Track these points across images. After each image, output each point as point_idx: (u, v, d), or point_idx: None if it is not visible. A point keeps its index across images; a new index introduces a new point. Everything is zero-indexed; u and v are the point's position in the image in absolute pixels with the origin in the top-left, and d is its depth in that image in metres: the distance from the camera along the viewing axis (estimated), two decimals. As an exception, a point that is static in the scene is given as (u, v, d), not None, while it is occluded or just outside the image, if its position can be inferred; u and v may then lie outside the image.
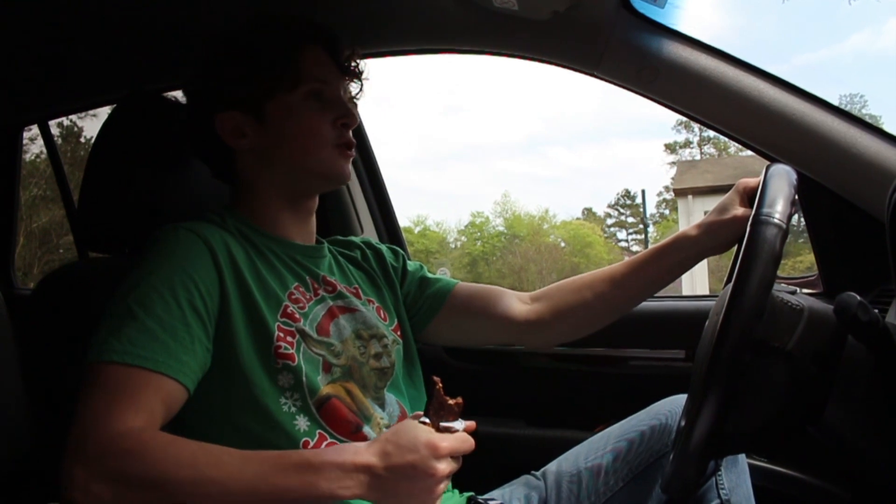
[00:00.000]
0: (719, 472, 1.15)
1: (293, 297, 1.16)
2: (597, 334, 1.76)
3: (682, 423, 1.04)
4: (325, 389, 1.10)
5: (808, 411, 0.96)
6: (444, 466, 0.90)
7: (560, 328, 1.37)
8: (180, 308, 1.00)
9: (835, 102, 1.29)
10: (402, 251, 1.47)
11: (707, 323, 1.11)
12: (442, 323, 1.38)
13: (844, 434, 1.01)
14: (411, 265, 1.44)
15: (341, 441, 1.09)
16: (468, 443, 0.95)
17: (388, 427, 1.17)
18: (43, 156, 10.87)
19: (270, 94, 1.18)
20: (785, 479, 1.47)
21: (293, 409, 1.08)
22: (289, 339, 1.10)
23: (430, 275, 1.43)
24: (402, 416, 1.21)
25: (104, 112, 1.38)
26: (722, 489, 1.15)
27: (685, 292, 12.15)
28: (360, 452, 0.90)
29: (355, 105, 1.32)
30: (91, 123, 13.33)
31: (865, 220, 1.26)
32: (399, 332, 1.32)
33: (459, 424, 0.97)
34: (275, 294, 1.13)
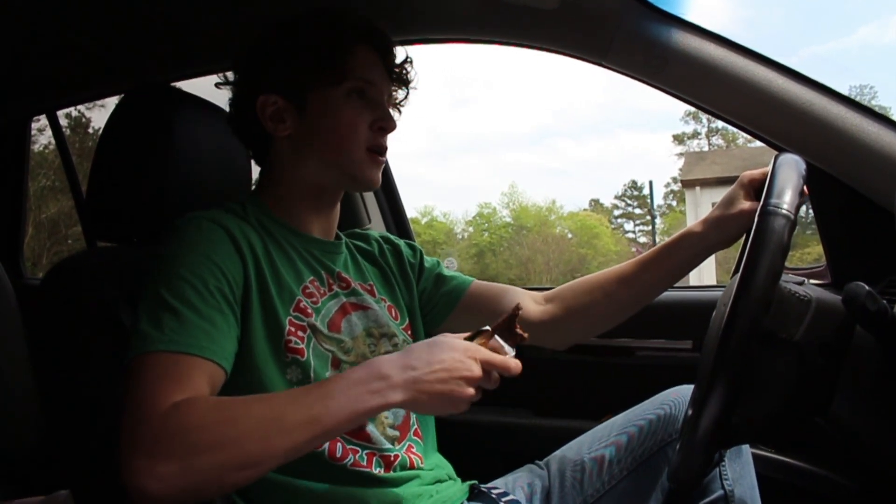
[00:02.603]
0: (723, 463, 1.15)
1: (307, 290, 1.16)
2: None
3: (689, 413, 1.04)
4: None
5: (816, 402, 0.96)
6: (477, 370, 0.94)
7: (573, 328, 1.38)
8: (213, 296, 1.01)
9: (845, 93, 1.28)
10: (419, 247, 1.47)
11: (714, 313, 1.11)
12: (456, 321, 1.38)
13: (852, 424, 1.00)
14: (428, 261, 1.44)
15: (345, 437, 1.10)
16: (512, 364, 0.97)
17: (392, 427, 1.18)
18: (51, 146, 10.91)
19: (314, 85, 1.18)
20: (793, 469, 1.47)
21: None
22: (300, 333, 1.11)
23: (446, 272, 1.43)
24: (408, 416, 1.23)
25: (112, 103, 1.39)
26: (726, 479, 1.15)
27: (693, 283, 12.13)
28: (395, 359, 0.94)
29: (399, 110, 1.32)
30: (99, 114, 13.39)
31: (874, 210, 1.26)
32: (410, 332, 1.32)
33: (511, 351, 0.99)
34: (289, 287, 1.13)
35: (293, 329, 1.10)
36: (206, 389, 0.94)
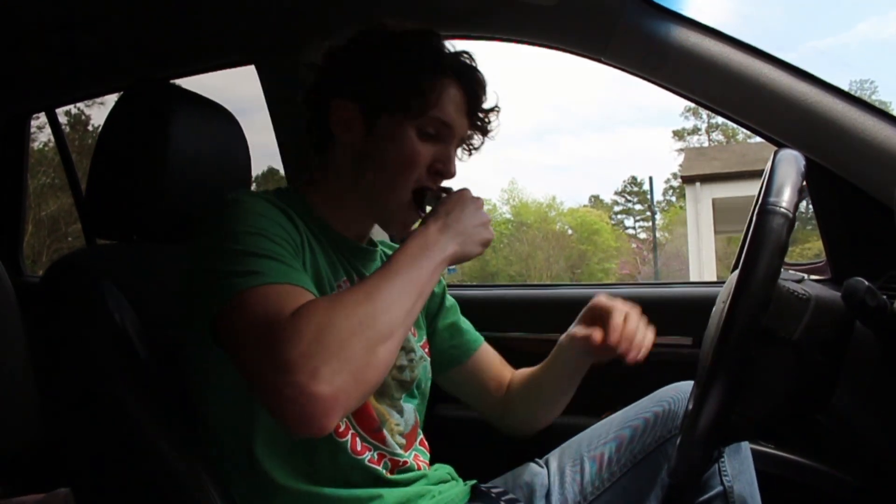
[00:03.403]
0: (722, 460, 1.15)
1: (340, 287, 1.15)
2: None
3: (689, 410, 1.04)
4: None
5: (816, 398, 0.96)
6: (487, 215, 1.12)
7: (524, 418, 1.40)
8: (288, 249, 1.00)
9: (845, 88, 1.28)
10: (443, 281, 1.45)
11: (713, 310, 1.11)
12: (450, 379, 1.41)
13: (852, 420, 1.01)
14: (448, 300, 1.43)
15: (363, 435, 1.11)
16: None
17: (402, 434, 1.19)
18: (51, 144, 10.92)
19: (392, 109, 1.15)
20: (793, 465, 1.47)
21: None
22: None
23: (462, 322, 1.43)
24: (416, 424, 1.23)
25: (111, 100, 1.38)
26: (725, 476, 1.15)
27: (693, 278, 12.13)
28: (428, 224, 1.07)
29: (473, 148, 1.28)
30: (98, 111, 13.39)
31: (874, 206, 1.25)
32: (427, 350, 1.32)
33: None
34: (328, 279, 1.13)
35: None
36: None
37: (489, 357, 1.42)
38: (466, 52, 1.20)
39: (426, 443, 1.26)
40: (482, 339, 1.44)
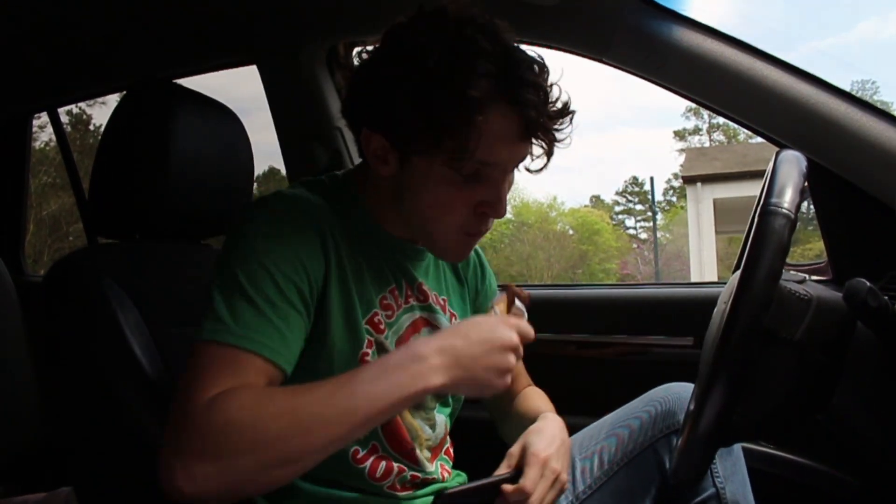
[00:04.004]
0: (714, 462, 1.14)
1: (385, 301, 1.08)
2: (604, 321, 1.77)
3: (691, 410, 1.04)
4: None
5: (817, 399, 0.96)
6: (514, 337, 0.94)
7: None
8: (291, 294, 0.93)
9: (847, 89, 1.28)
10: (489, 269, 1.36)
11: (715, 310, 1.11)
12: None
13: (853, 420, 1.01)
14: (492, 286, 1.33)
15: (392, 454, 1.08)
16: (531, 331, 0.98)
17: (430, 449, 1.16)
18: (52, 143, 10.93)
19: (419, 151, 0.97)
20: (794, 465, 1.47)
21: None
22: (369, 349, 1.03)
23: None
24: (446, 434, 1.21)
25: (113, 100, 1.39)
26: (717, 477, 1.15)
27: (694, 279, 12.12)
28: (431, 341, 0.91)
29: (547, 155, 1.03)
30: (100, 111, 13.38)
31: (875, 207, 1.25)
32: None
33: (525, 313, 1.03)
34: (369, 297, 1.05)
35: (367, 343, 1.03)
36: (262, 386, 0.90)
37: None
38: (519, 57, 0.96)
39: (451, 451, 1.24)
40: None
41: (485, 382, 0.92)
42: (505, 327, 0.94)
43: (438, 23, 0.97)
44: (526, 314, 1.01)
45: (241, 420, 0.81)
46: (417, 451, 1.11)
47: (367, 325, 1.04)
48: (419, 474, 1.11)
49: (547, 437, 1.10)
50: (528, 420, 1.20)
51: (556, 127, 0.99)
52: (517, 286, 1.03)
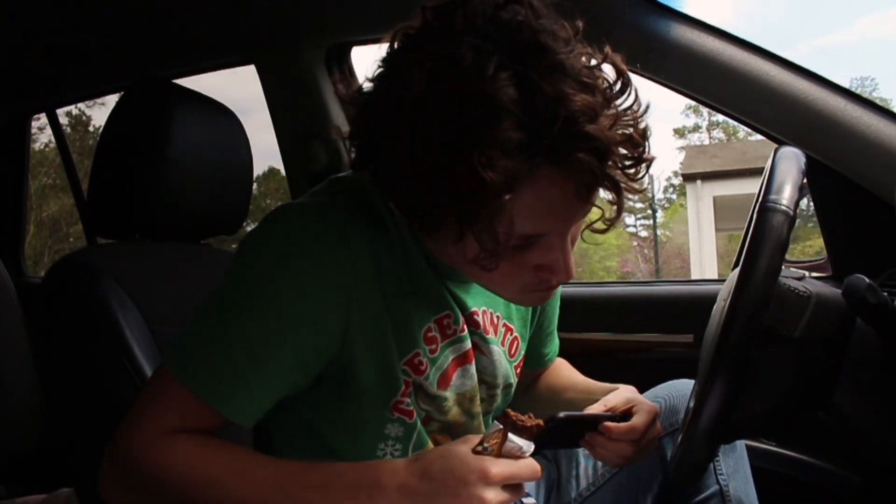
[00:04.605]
0: (717, 458, 1.15)
1: (429, 335, 0.94)
2: (605, 318, 1.77)
3: (691, 407, 1.04)
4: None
5: (817, 395, 0.96)
6: (493, 496, 0.78)
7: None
8: (281, 348, 0.83)
9: (845, 85, 1.28)
10: None
11: (714, 308, 1.11)
12: None
13: (853, 417, 1.01)
14: (551, 304, 1.21)
15: None
16: (530, 468, 0.81)
17: None
18: (52, 145, 10.91)
19: (467, 220, 0.74)
20: (794, 462, 1.47)
21: (388, 456, 0.95)
22: (407, 390, 0.93)
23: (553, 332, 1.26)
24: None
25: (112, 101, 1.39)
26: (720, 475, 1.15)
27: (694, 276, 12.12)
28: (399, 471, 0.81)
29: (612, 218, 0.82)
30: (99, 112, 13.35)
31: (874, 203, 1.25)
32: (519, 369, 1.12)
33: (529, 448, 0.83)
34: (411, 336, 0.92)
35: (404, 387, 0.92)
36: (213, 431, 0.86)
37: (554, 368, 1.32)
38: (574, 99, 0.70)
39: None
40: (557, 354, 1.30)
41: None
42: (481, 481, 0.77)
43: (449, 53, 0.72)
44: (529, 449, 0.82)
45: (171, 474, 0.82)
46: None
47: (406, 366, 0.92)
48: None
49: (646, 398, 1.07)
50: (567, 392, 1.19)
51: (627, 175, 0.77)
52: (518, 414, 0.83)
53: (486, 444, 0.82)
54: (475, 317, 1.00)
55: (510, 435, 0.81)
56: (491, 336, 1.03)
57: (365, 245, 0.86)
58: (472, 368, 1.00)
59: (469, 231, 0.74)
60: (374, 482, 0.80)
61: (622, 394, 1.06)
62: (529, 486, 1.26)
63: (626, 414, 1.01)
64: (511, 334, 1.10)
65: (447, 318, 0.96)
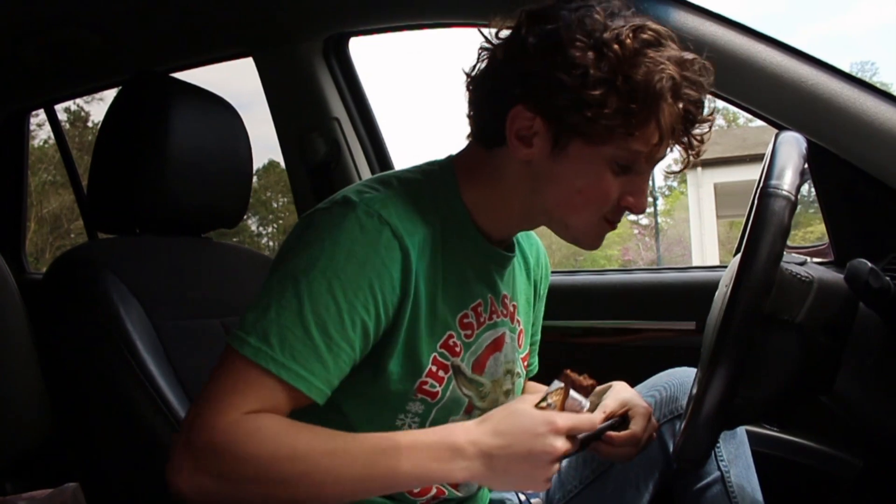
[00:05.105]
0: (718, 445, 1.15)
1: (465, 320, 1.00)
2: (607, 306, 1.77)
3: (694, 394, 1.05)
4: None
5: (820, 381, 0.96)
6: (561, 444, 0.87)
7: None
8: (353, 329, 0.87)
9: (845, 70, 1.27)
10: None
11: (716, 294, 1.11)
12: None
13: (857, 402, 1.01)
14: (538, 309, 1.27)
15: None
16: (590, 420, 0.92)
17: None
18: (51, 141, 10.91)
19: (587, 135, 0.90)
20: (797, 448, 1.47)
21: (407, 427, 0.98)
22: (440, 374, 0.97)
23: (537, 341, 1.30)
24: None
25: (110, 96, 1.38)
26: (721, 461, 1.15)
27: (695, 264, 12.12)
28: (472, 430, 0.88)
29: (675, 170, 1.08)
30: (98, 108, 13.37)
31: (876, 187, 1.25)
32: (525, 363, 1.18)
33: (586, 404, 0.95)
34: (444, 319, 0.97)
35: (434, 369, 0.97)
36: (286, 411, 0.87)
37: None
38: (691, 59, 0.93)
39: None
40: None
41: (521, 485, 0.91)
42: (552, 433, 0.87)
43: (613, 11, 0.92)
44: (587, 405, 0.94)
45: (257, 451, 0.81)
46: None
47: (442, 348, 0.97)
48: (454, 499, 1.08)
49: (637, 395, 1.12)
50: None
51: (702, 128, 0.97)
52: (576, 374, 0.95)
53: (549, 401, 0.92)
54: (508, 300, 1.08)
55: (571, 391, 0.93)
56: (510, 322, 1.09)
57: (426, 228, 0.94)
58: (502, 356, 1.06)
59: (628, 128, 0.88)
60: (452, 444, 0.86)
61: (618, 396, 1.10)
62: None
63: (624, 417, 1.07)
64: (519, 326, 1.13)
65: (484, 304, 1.03)
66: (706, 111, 0.96)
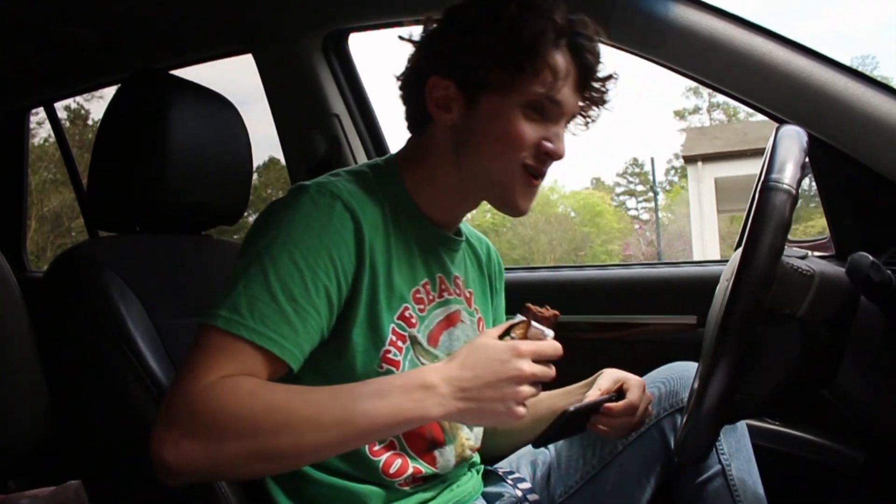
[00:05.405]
0: (719, 438, 1.15)
1: (417, 295, 1.08)
2: (608, 301, 1.77)
3: (695, 388, 1.05)
4: None
5: (821, 374, 0.96)
6: (528, 367, 0.90)
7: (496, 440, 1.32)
8: (317, 293, 0.93)
9: (846, 63, 1.27)
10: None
11: (717, 288, 1.11)
12: None
13: (858, 395, 1.01)
14: (499, 304, 1.35)
15: (409, 453, 1.07)
16: (553, 346, 0.94)
17: (472, 448, 1.17)
18: (51, 139, 10.91)
19: (494, 85, 1.03)
20: (799, 441, 1.47)
21: None
22: (399, 343, 1.04)
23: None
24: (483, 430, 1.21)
25: (110, 94, 1.38)
26: (722, 454, 1.15)
27: (696, 258, 12.12)
28: (441, 369, 0.91)
29: (590, 120, 1.14)
30: (98, 105, 13.35)
31: (877, 181, 1.25)
32: None
33: (550, 333, 0.97)
34: (400, 292, 1.05)
35: (394, 339, 1.03)
36: (263, 378, 0.90)
37: None
38: (580, 17, 1.07)
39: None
40: None
41: (494, 415, 0.92)
42: (516, 357, 0.91)
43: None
44: (550, 334, 0.97)
45: (235, 408, 0.84)
46: (437, 453, 1.10)
47: (399, 319, 1.04)
48: (432, 475, 1.10)
49: (628, 373, 1.19)
50: (545, 400, 1.25)
51: (605, 83, 1.09)
52: (537, 307, 0.98)
53: (512, 334, 0.96)
54: (459, 280, 1.17)
55: (532, 322, 0.96)
56: (465, 306, 1.18)
57: (374, 210, 1.02)
58: (457, 332, 1.13)
59: (524, 71, 1.01)
60: (423, 382, 0.89)
61: (610, 376, 1.19)
62: (526, 473, 1.27)
63: (619, 392, 1.15)
64: (477, 314, 1.22)
65: (433, 282, 1.11)
66: (606, 70, 1.09)
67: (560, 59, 1.03)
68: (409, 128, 1.16)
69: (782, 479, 1.26)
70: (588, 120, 1.13)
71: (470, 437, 1.17)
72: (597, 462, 1.23)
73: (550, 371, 0.94)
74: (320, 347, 0.97)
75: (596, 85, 1.09)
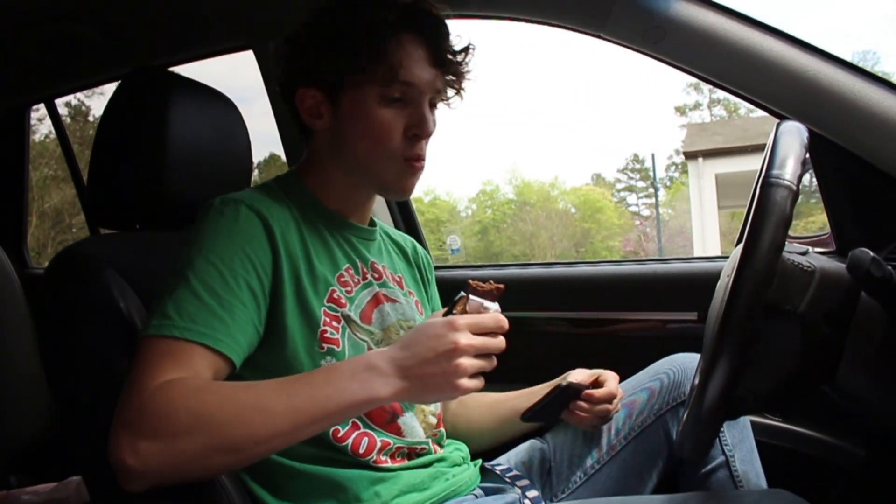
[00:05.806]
0: (721, 430, 1.15)
1: (342, 279, 1.13)
2: (609, 297, 1.77)
3: (696, 384, 1.05)
4: None
5: (822, 370, 0.96)
6: (464, 339, 0.90)
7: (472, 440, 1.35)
8: (239, 287, 0.98)
9: (847, 59, 1.27)
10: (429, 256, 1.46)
11: (718, 284, 1.11)
12: None
13: (859, 391, 1.01)
14: (434, 295, 1.42)
15: (375, 429, 1.08)
16: (493, 317, 0.94)
17: (434, 414, 1.19)
18: (52, 136, 10.90)
19: (348, 83, 1.10)
20: (800, 437, 1.47)
21: None
22: (334, 324, 1.08)
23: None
24: (444, 405, 1.24)
25: (111, 90, 1.38)
26: (725, 445, 1.16)
27: (697, 254, 12.12)
28: (385, 351, 0.94)
29: (450, 100, 1.20)
30: (98, 102, 13.34)
31: (878, 176, 1.25)
32: None
33: (493, 306, 0.97)
34: (324, 277, 1.10)
35: (328, 320, 1.07)
36: (207, 375, 0.93)
37: None
38: (423, 4, 1.12)
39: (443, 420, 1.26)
40: None
41: (437, 389, 0.93)
42: (451, 331, 0.91)
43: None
44: (493, 307, 0.97)
45: (185, 403, 0.86)
46: (401, 422, 1.12)
47: (329, 302, 1.09)
48: (405, 446, 1.11)
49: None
50: (508, 401, 1.34)
51: (460, 59, 1.15)
52: (478, 281, 0.99)
53: (453, 311, 0.97)
54: (376, 266, 1.21)
55: (471, 296, 0.97)
56: (395, 287, 1.23)
57: (281, 211, 1.09)
58: (387, 308, 1.17)
59: (372, 64, 1.07)
60: (368, 364, 0.93)
61: (582, 371, 1.27)
62: (522, 469, 1.27)
63: (595, 384, 1.23)
64: (413, 297, 1.28)
65: (354, 267, 1.17)
66: (461, 44, 1.14)
67: (406, 44, 1.09)
68: (302, 138, 1.23)
69: (784, 474, 1.26)
70: (457, 92, 1.19)
71: (433, 407, 1.19)
72: (600, 457, 1.23)
73: (495, 341, 0.93)
74: (262, 347, 1.02)
75: (451, 58, 1.14)
